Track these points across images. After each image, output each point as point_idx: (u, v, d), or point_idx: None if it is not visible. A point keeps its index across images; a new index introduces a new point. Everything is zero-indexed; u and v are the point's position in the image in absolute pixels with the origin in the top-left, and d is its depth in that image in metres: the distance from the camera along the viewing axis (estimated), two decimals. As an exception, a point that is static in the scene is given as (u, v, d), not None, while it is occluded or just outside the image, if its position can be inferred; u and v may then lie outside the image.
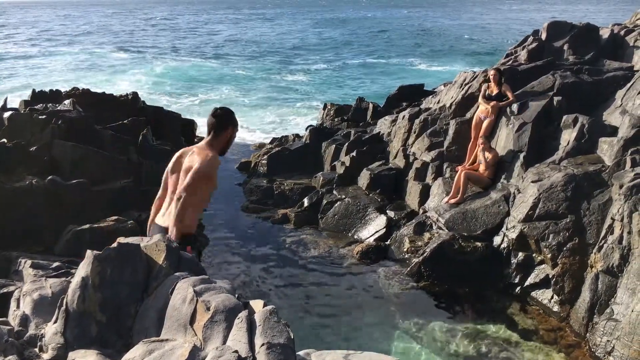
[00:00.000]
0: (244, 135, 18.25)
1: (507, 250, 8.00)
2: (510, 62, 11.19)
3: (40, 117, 9.56)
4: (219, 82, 30.62)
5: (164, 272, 3.40)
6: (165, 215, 4.11)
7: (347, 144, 12.00)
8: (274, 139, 15.09)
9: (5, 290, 5.40)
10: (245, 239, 9.81)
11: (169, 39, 56.88)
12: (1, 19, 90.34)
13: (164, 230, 4.01)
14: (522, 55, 11.26)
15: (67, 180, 8.65)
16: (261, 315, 2.83)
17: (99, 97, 12.31)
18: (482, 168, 9.23)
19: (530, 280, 7.72)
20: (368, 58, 40.36)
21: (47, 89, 12.68)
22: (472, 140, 9.77)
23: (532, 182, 8.16)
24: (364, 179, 10.77)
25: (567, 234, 7.44)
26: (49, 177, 8.50)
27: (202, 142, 4.13)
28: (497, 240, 8.20)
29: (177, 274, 3.36)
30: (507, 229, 8.15)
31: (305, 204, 10.61)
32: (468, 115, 10.44)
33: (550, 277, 7.44)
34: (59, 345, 3.26)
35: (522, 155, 8.90)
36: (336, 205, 10.34)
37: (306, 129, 14.31)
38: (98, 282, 3.30)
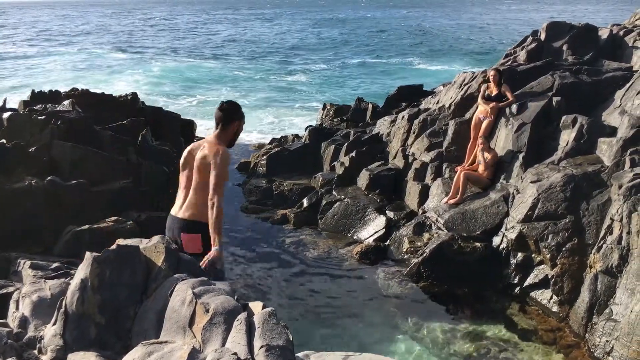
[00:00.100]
0: (242, 136, 18.23)
1: (506, 251, 8.01)
2: (509, 63, 11.19)
3: (39, 117, 9.56)
4: (218, 83, 30.61)
5: (163, 274, 3.41)
6: (180, 207, 4.17)
7: (346, 144, 12.00)
8: (273, 139, 15.08)
9: (4, 291, 5.40)
10: (245, 240, 9.81)
11: (168, 40, 56.87)
12: (0, 19, 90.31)
13: (178, 221, 4.08)
14: (521, 55, 11.27)
15: (66, 180, 8.65)
16: (260, 317, 2.83)
17: (98, 98, 12.31)
18: (481, 168, 9.24)
19: (529, 280, 7.72)
20: (367, 58, 40.38)
21: (46, 89, 12.69)
22: (471, 140, 9.77)
23: (531, 182, 8.16)
24: (363, 179, 10.78)
25: (566, 234, 7.45)
26: (48, 178, 8.50)
27: (210, 136, 4.23)
28: (496, 240, 8.21)
29: (176, 275, 3.37)
30: (506, 230, 8.16)
31: (305, 204, 10.62)
32: (467, 115, 10.44)
33: (549, 277, 7.45)
34: (58, 347, 3.26)
35: (521, 156, 8.90)
36: (335, 205, 10.34)
37: (305, 129, 14.31)
38: (97, 284, 3.30)
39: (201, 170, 4.07)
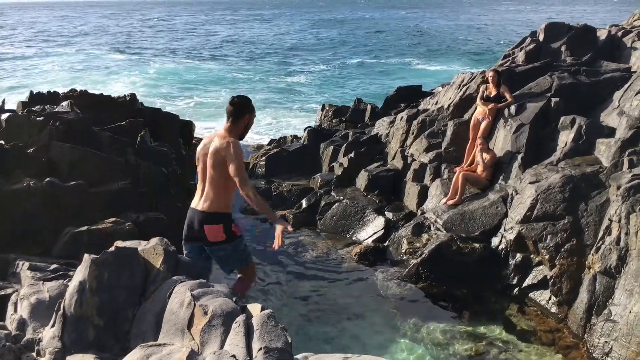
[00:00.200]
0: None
1: (505, 252, 8.01)
2: (507, 64, 11.19)
3: (37, 118, 9.53)
4: (216, 85, 30.61)
5: (162, 276, 3.40)
6: (199, 200, 4.33)
7: (345, 145, 12.00)
8: (272, 140, 15.08)
9: (2, 293, 5.38)
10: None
11: (166, 40, 56.86)
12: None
13: (199, 214, 4.25)
14: (520, 56, 11.28)
15: (64, 182, 8.63)
16: (259, 319, 2.83)
17: (96, 99, 12.28)
18: (480, 169, 9.24)
19: (528, 281, 7.73)
20: (366, 58, 40.42)
21: (43, 90, 12.67)
22: (470, 141, 9.77)
23: (530, 183, 8.17)
24: (362, 180, 10.77)
25: (564, 235, 7.45)
26: (47, 179, 8.48)
27: (221, 130, 4.37)
28: (495, 241, 8.21)
29: (174, 277, 3.37)
30: (505, 230, 8.16)
31: (304, 205, 10.62)
32: (466, 116, 10.45)
33: (548, 278, 7.45)
34: (56, 349, 3.26)
35: (519, 157, 8.91)
36: (334, 206, 10.34)
37: (304, 130, 14.30)
38: (95, 286, 3.29)
39: (214, 165, 4.21)
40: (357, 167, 11.12)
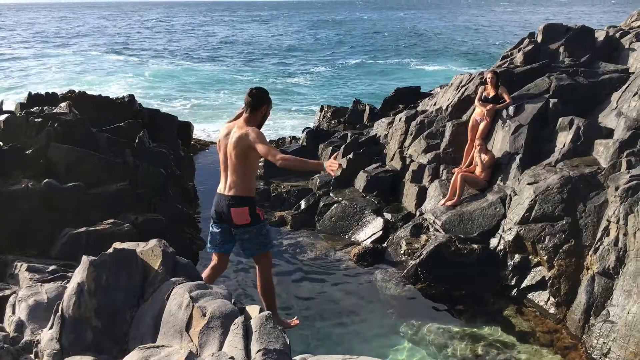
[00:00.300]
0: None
1: (503, 253, 8.02)
2: (506, 65, 11.20)
3: (36, 120, 9.53)
4: (215, 86, 30.61)
5: (160, 278, 3.40)
6: (225, 186, 4.56)
7: (343, 146, 12.00)
8: (270, 142, 15.06)
9: (0, 295, 5.37)
10: (242, 242, 9.78)
11: (164, 42, 56.86)
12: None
13: (225, 198, 4.49)
14: (518, 57, 11.29)
15: (63, 183, 8.62)
16: (257, 321, 2.83)
17: (95, 100, 12.27)
18: (478, 170, 9.25)
19: (526, 282, 7.73)
20: (364, 59, 40.46)
21: (39, 91, 12.66)
22: (468, 142, 9.78)
23: (528, 184, 8.17)
24: (360, 181, 10.78)
25: (563, 236, 7.46)
26: (45, 180, 8.47)
27: (240, 120, 4.58)
28: (493, 242, 8.21)
29: (173, 279, 3.36)
30: (503, 231, 8.17)
31: (302, 206, 10.61)
32: (464, 117, 10.46)
33: (546, 279, 7.46)
34: (54, 351, 3.25)
35: (518, 158, 8.91)
36: (333, 207, 10.34)
37: (303, 131, 14.30)
38: (94, 288, 3.29)
39: (237, 155, 4.44)
40: (356, 168, 11.12)
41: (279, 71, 35.93)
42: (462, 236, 8.35)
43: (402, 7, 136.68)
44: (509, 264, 7.92)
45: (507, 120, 9.39)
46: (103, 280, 3.30)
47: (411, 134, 11.07)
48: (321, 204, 10.52)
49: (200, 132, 17.50)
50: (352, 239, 9.73)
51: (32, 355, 3.43)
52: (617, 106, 8.81)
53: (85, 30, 73.45)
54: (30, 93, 12.26)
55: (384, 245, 9.26)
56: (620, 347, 6.14)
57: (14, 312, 4.12)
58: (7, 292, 5.35)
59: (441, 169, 10.02)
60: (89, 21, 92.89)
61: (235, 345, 2.73)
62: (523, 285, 7.74)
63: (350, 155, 11.38)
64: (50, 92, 12.55)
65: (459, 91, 11.17)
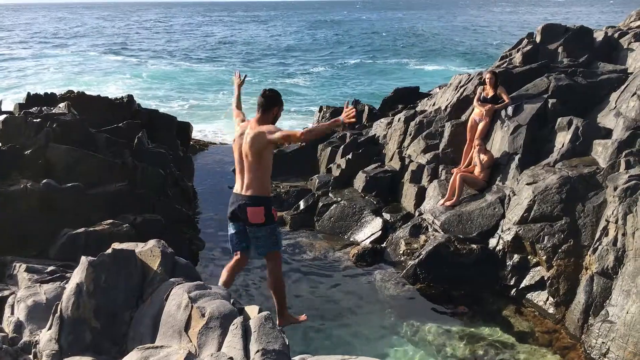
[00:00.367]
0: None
1: (502, 253, 8.02)
2: (504, 65, 11.21)
3: (34, 120, 9.52)
4: (213, 86, 30.59)
5: (159, 278, 3.40)
6: (242, 186, 4.66)
7: (342, 146, 12.00)
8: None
9: (-1, 295, 5.37)
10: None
11: (163, 42, 56.85)
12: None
13: (242, 197, 4.60)
14: (517, 57, 11.29)
15: (61, 183, 8.61)
16: (256, 322, 2.83)
17: (94, 100, 12.26)
18: (477, 170, 9.25)
19: (525, 282, 7.73)
20: (364, 59, 40.47)
21: (37, 91, 12.64)
22: (467, 142, 9.78)
23: (527, 184, 8.18)
24: (359, 181, 10.77)
25: (562, 236, 7.46)
26: (44, 181, 8.46)
27: (252, 120, 4.75)
28: (492, 242, 8.21)
29: (172, 279, 3.36)
30: (502, 231, 8.17)
31: (301, 206, 10.61)
32: (463, 117, 10.46)
33: (545, 279, 7.46)
34: (53, 352, 3.25)
35: (517, 158, 8.92)
36: (332, 207, 10.34)
37: (302, 131, 14.28)
38: (92, 288, 3.28)
39: (252, 154, 4.56)
40: (355, 169, 11.12)
41: (278, 71, 35.93)
42: (461, 236, 8.35)
43: (400, 7, 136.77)
44: (508, 264, 7.92)
45: (506, 121, 9.40)
46: (102, 281, 3.30)
47: (410, 134, 11.07)
48: (320, 204, 10.52)
49: (196, 133, 17.48)
50: (351, 239, 9.73)
51: (30, 356, 3.43)
52: (615, 106, 8.82)
53: (83, 30, 73.42)
54: (29, 93, 12.25)
55: (383, 245, 9.26)
56: (619, 347, 6.14)
57: (12, 313, 4.11)
58: (6, 292, 5.35)
59: (440, 169, 10.02)
60: (87, 21, 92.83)
61: (234, 346, 2.73)
62: (522, 285, 7.74)
63: (349, 156, 11.38)
64: (49, 93, 12.53)
65: (458, 91, 11.17)
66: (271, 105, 4.68)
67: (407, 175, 10.37)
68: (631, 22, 12.83)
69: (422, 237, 8.88)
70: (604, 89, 9.50)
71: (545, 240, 7.54)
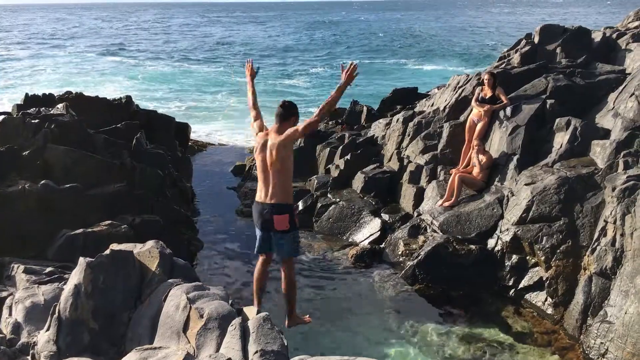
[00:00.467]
0: (237, 138, 18.24)
1: (501, 253, 8.02)
2: (503, 66, 11.21)
3: (33, 121, 9.51)
4: (211, 88, 30.55)
5: (158, 279, 3.39)
6: (266, 195, 4.72)
7: (341, 147, 12.00)
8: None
9: (-3, 296, 5.35)
10: (240, 244, 9.78)
11: (161, 43, 56.80)
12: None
13: (268, 206, 4.64)
14: (515, 58, 11.30)
15: (60, 184, 8.61)
16: (255, 322, 2.82)
17: (92, 101, 12.26)
18: (476, 171, 9.25)
19: (524, 282, 7.73)
20: (362, 59, 40.47)
21: (36, 92, 12.63)
22: (465, 143, 9.78)
23: (526, 184, 8.18)
24: (358, 182, 10.77)
25: (560, 236, 7.46)
26: (42, 182, 8.45)
27: (272, 130, 4.88)
28: (491, 243, 8.21)
29: (170, 280, 3.35)
30: (500, 232, 8.17)
31: (300, 207, 10.60)
32: (462, 118, 10.46)
33: (544, 279, 7.46)
34: (51, 353, 3.24)
35: (515, 158, 8.92)
36: (330, 208, 10.34)
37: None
38: (91, 289, 3.28)
39: (274, 163, 4.68)
40: (354, 169, 11.12)
41: (277, 72, 35.92)
42: (460, 237, 8.35)
43: (398, 8, 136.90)
44: (506, 264, 7.93)
45: (505, 121, 9.40)
46: (100, 282, 3.29)
47: (409, 135, 11.07)
48: (319, 204, 10.51)
49: (192, 134, 17.45)
50: (350, 240, 9.73)
51: (28, 357, 3.42)
52: (613, 107, 8.83)
53: (81, 31, 73.36)
54: (27, 94, 12.24)
55: (382, 246, 9.26)
56: (617, 347, 6.15)
57: (10, 314, 4.10)
58: (4, 293, 5.34)
59: (439, 170, 10.02)
60: (86, 22, 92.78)
61: (232, 347, 2.72)
62: (520, 285, 7.74)
63: (348, 156, 11.38)
64: (47, 94, 12.52)
65: (456, 92, 11.18)
66: (289, 115, 4.85)
67: (405, 176, 10.37)
68: (629, 22, 12.85)
69: (421, 238, 8.88)
70: (602, 90, 9.51)
71: (543, 241, 7.54)
